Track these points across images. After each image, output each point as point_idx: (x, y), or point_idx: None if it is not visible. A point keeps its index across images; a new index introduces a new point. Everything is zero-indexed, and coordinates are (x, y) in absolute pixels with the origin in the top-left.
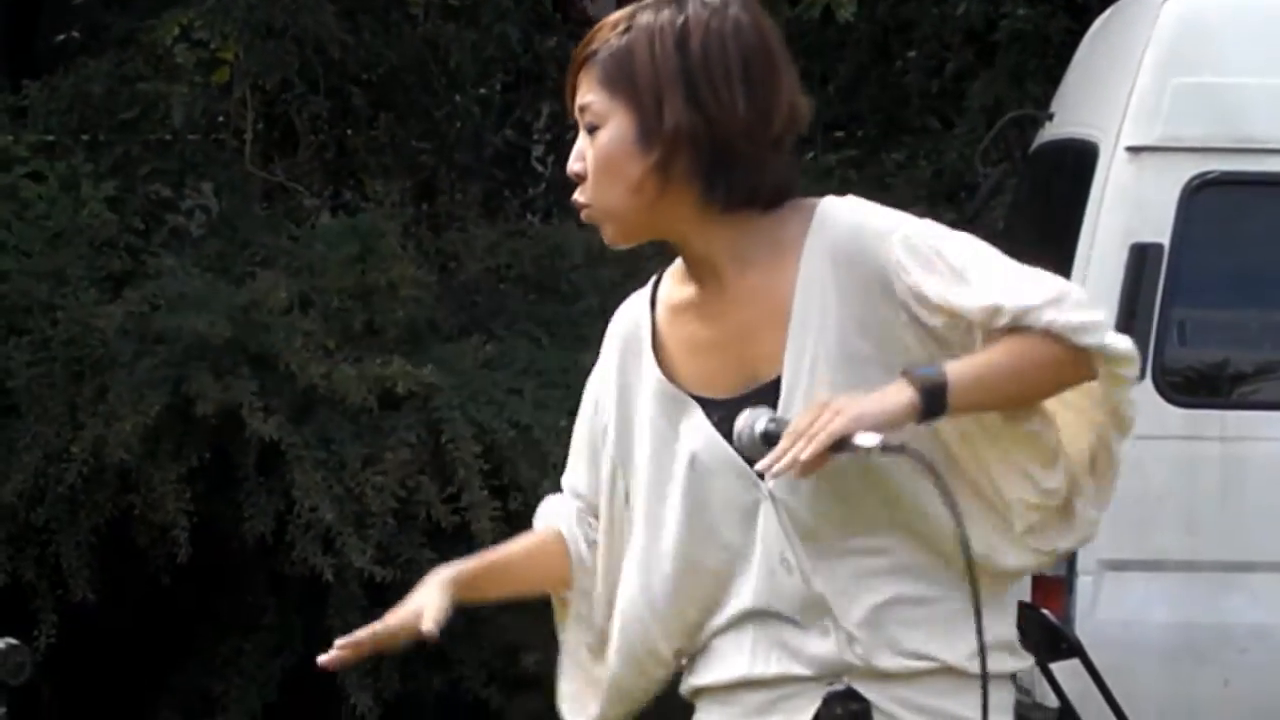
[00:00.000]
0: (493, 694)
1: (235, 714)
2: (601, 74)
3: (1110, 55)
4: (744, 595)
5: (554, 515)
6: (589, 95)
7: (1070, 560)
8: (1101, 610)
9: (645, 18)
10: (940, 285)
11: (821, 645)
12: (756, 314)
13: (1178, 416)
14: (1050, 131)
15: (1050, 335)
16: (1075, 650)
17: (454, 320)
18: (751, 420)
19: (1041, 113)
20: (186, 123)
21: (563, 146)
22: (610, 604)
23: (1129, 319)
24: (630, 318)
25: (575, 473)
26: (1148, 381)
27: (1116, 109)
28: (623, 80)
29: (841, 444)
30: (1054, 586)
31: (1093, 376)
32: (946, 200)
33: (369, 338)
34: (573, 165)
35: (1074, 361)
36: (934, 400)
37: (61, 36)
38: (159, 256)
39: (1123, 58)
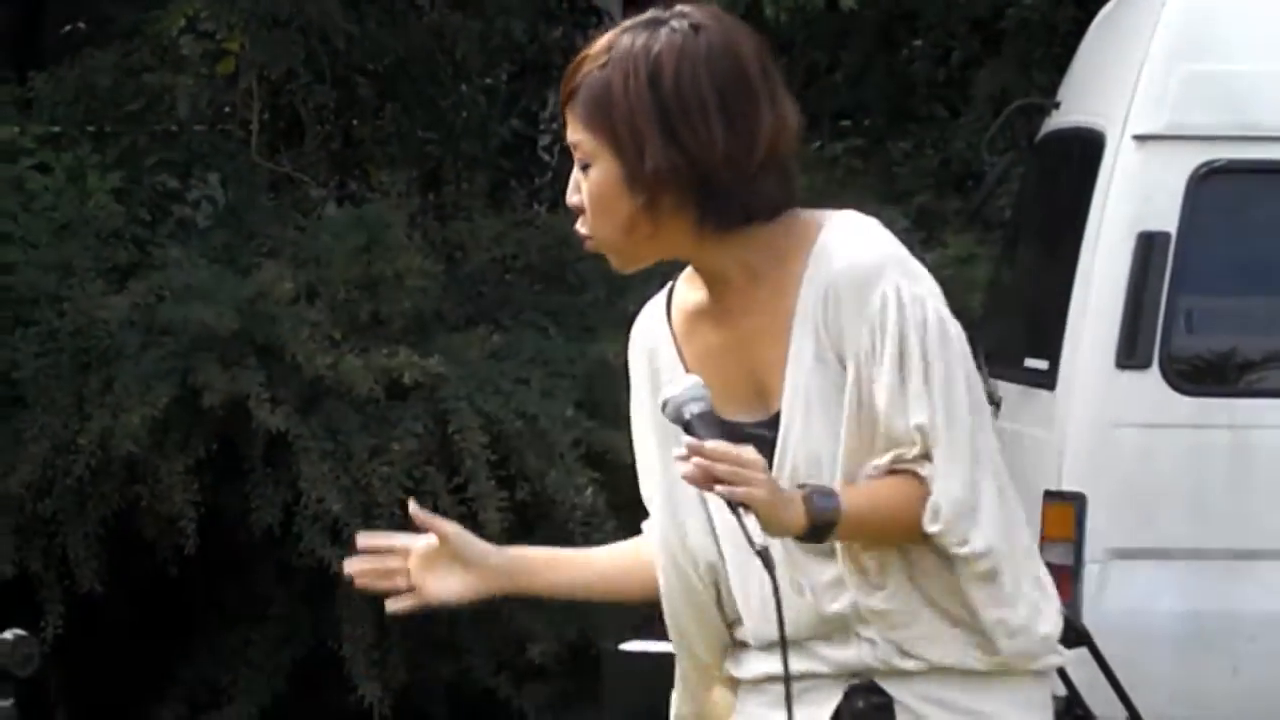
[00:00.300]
0: (501, 683)
1: (243, 704)
2: (584, 115)
3: (1117, 43)
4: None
5: (643, 538)
6: (576, 134)
7: (1077, 549)
8: (1109, 599)
9: (622, 46)
10: (883, 392)
11: (842, 652)
12: (765, 329)
13: (1185, 405)
14: (1057, 120)
15: (926, 504)
16: (1083, 639)
17: (460, 311)
18: (688, 398)
19: (1048, 101)
20: (192, 114)
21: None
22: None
23: (1136, 307)
24: (650, 332)
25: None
26: (1155, 370)
27: (1123, 97)
28: (603, 123)
29: (737, 506)
30: (1061, 575)
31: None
32: (953, 189)
33: (375, 328)
34: (571, 198)
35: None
36: (817, 535)
37: (67, 28)
38: (165, 248)
39: (1129, 46)
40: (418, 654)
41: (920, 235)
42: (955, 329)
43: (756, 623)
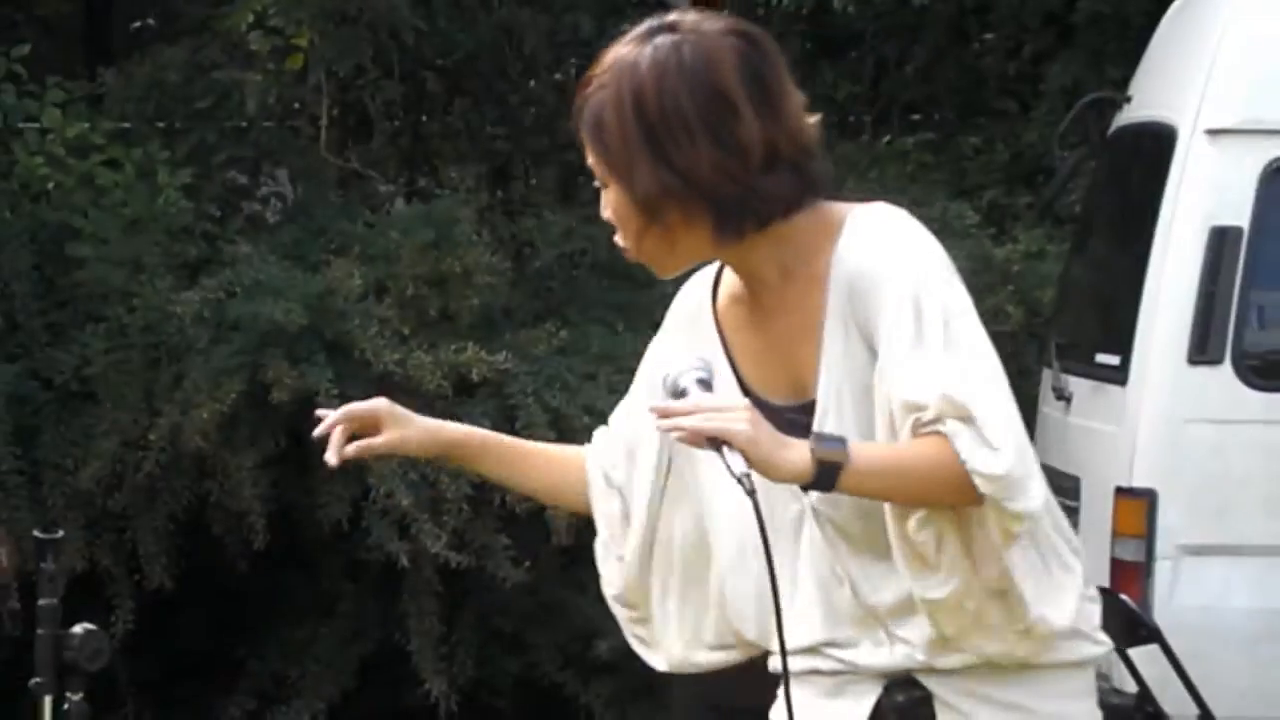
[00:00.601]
0: (568, 679)
1: (311, 699)
2: (587, 141)
3: (1189, 37)
4: (798, 605)
5: (588, 447)
6: (589, 158)
7: (1149, 545)
8: (1180, 595)
9: (616, 66)
10: (897, 366)
11: (875, 655)
12: (799, 326)
13: (1257, 400)
14: (1128, 114)
15: (959, 460)
16: (1154, 636)
17: (528, 306)
18: (683, 369)
19: (1120, 95)
20: (261, 110)
21: None
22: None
23: (1208, 303)
24: (695, 299)
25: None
26: (1227, 365)
27: (1195, 91)
28: (600, 150)
29: (719, 444)
30: (1132, 572)
31: (980, 503)
32: (1024, 184)
33: (443, 324)
34: (603, 213)
35: (970, 491)
36: (824, 479)
37: (137, 24)
38: (235, 244)
39: (1202, 40)
40: (485, 649)
41: (991, 230)
42: (972, 314)
43: (794, 620)
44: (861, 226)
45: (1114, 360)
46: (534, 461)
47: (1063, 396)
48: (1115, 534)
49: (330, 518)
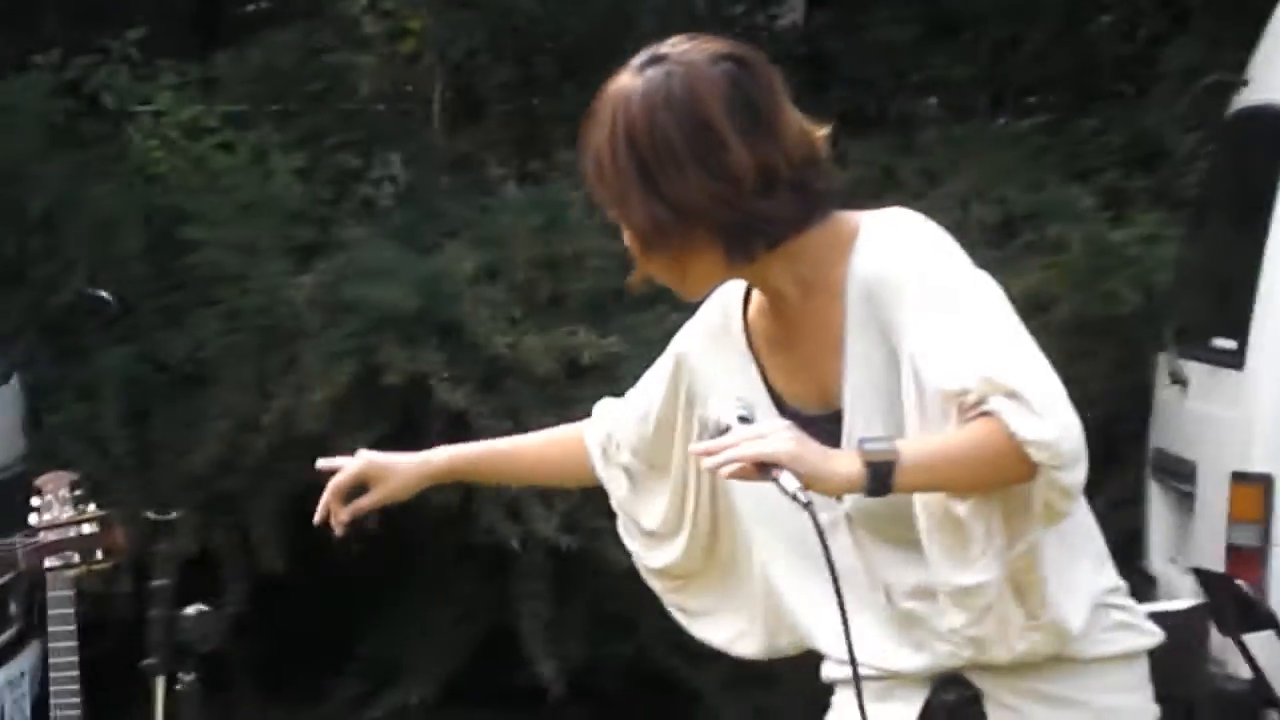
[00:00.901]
0: (679, 663)
1: (421, 682)
2: (588, 175)
3: None
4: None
5: (585, 425)
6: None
7: (1266, 530)
8: None
9: (613, 101)
10: (930, 359)
11: (916, 659)
12: (821, 338)
13: None
14: (1246, 97)
15: (1008, 434)
16: (1270, 621)
17: (639, 290)
18: (722, 409)
19: (1237, 78)
20: (374, 93)
21: None
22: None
23: None
24: (725, 308)
25: (637, 406)
26: None
27: None
28: (601, 189)
29: (767, 469)
30: (1249, 557)
31: (1032, 477)
32: (1141, 167)
33: (555, 308)
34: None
35: (1022, 464)
36: (880, 482)
37: (250, 7)
38: (347, 227)
39: None
40: (595, 632)
41: (1108, 214)
42: (998, 300)
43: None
44: (874, 234)
45: (1231, 344)
46: (525, 459)
47: (1179, 381)
48: (1232, 519)
49: (441, 501)
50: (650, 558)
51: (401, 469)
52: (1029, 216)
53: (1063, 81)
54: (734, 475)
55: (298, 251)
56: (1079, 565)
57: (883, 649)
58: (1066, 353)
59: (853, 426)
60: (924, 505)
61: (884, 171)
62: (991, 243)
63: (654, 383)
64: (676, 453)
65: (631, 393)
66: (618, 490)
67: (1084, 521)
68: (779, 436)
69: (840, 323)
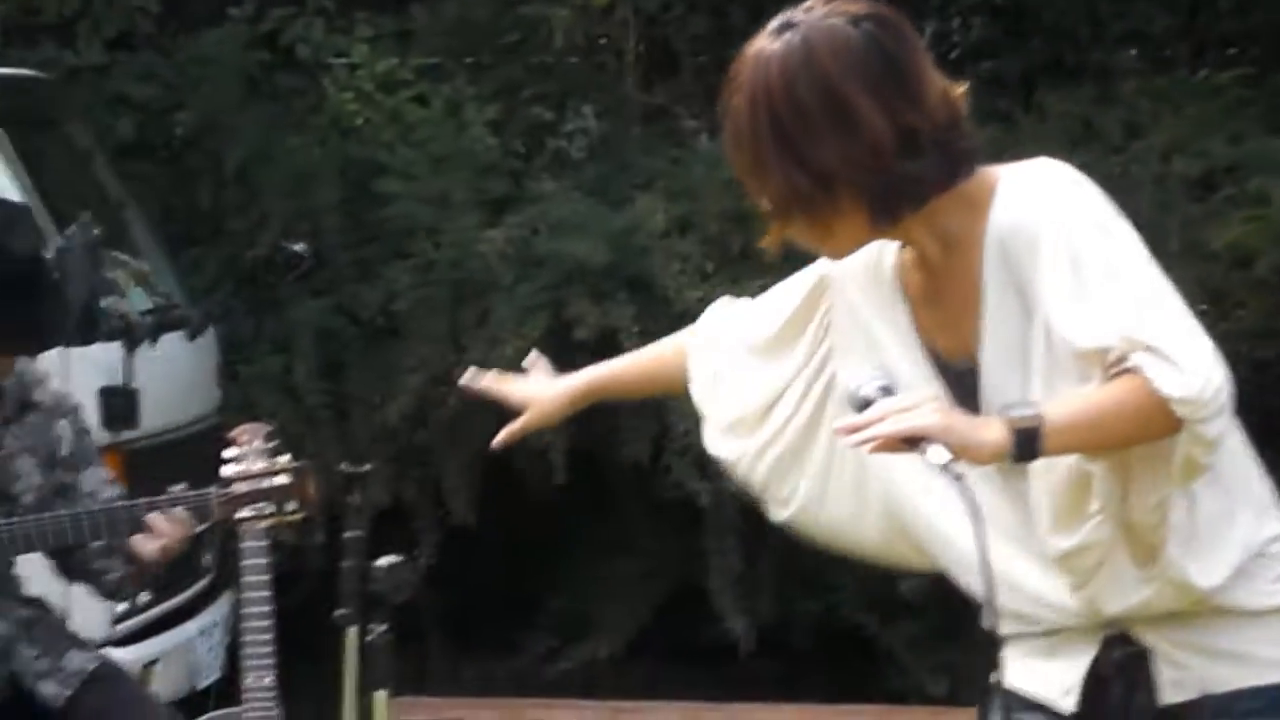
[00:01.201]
0: (870, 620)
1: (609, 636)
2: (729, 148)
3: None
4: (996, 545)
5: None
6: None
7: None
8: None
9: (751, 66)
10: (1066, 318)
11: (1075, 617)
12: (962, 294)
13: None
14: None
15: (1151, 391)
16: None
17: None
18: (864, 380)
19: None
20: (568, 45)
21: (945, 65)
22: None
23: None
24: (878, 256)
25: (764, 320)
26: None
27: None
28: (739, 156)
29: (915, 442)
30: None
31: (1176, 432)
32: None
33: (746, 261)
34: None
35: (1166, 421)
36: (1026, 449)
37: None
38: (540, 180)
39: None
40: (785, 588)
41: None
42: (1138, 252)
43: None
44: (1012, 187)
45: None
46: (632, 380)
47: None
48: None
49: (631, 456)
50: (720, 443)
51: (540, 400)
52: (1230, 170)
53: (1264, 34)
54: (880, 450)
55: (490, 205)
56: (1238, 516)
57: (1039, 596)
58: (1266, 307)
59: (990, 382)
60: (1052, 465)
61: (1083, 124)
62: (1192, 196)
63: (789, 292)
64: (794, 359)
65: (755, 300)
66: (701, 374)
67: (1247, 471)
68: (926, 409)
69: (979, 277)
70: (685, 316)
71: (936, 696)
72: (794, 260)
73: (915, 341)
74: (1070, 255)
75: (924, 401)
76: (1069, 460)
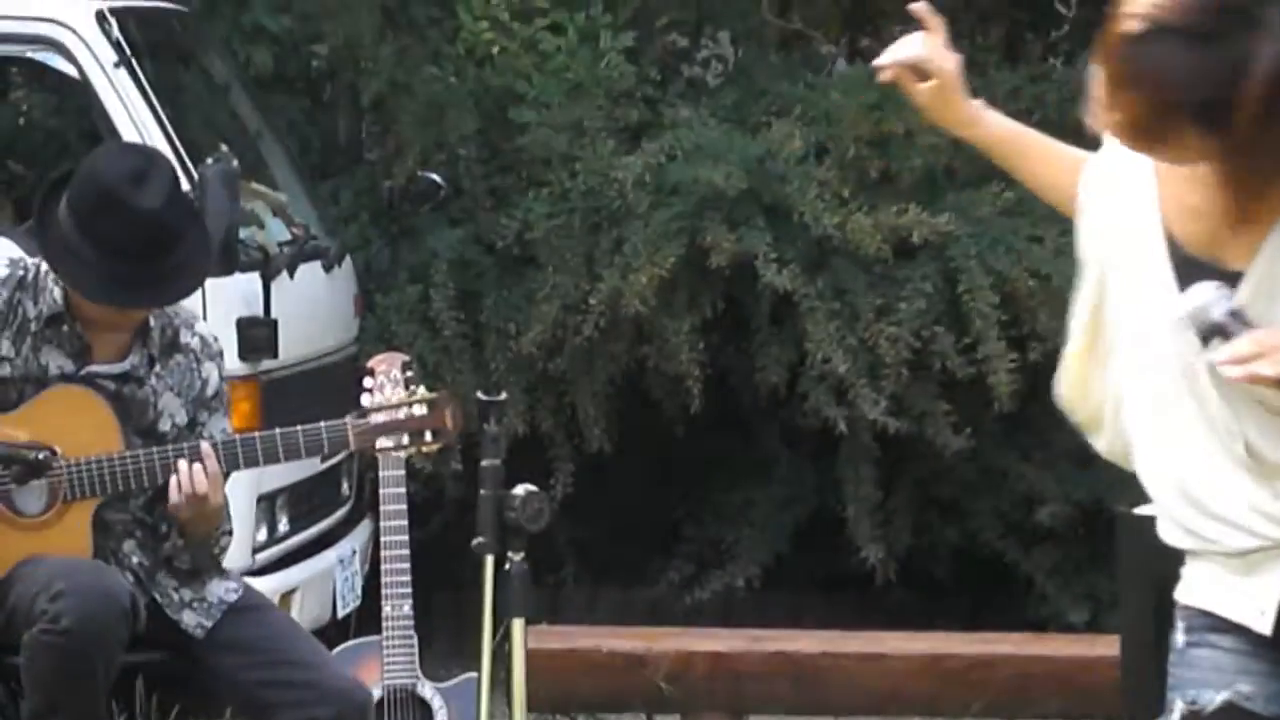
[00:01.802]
0: (1009, 547)
1: (746, 564)
2: (1124, 85)
3: None
4: (1191, 458)
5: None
6: (1122, 99)
7: None
8: None
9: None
10: None
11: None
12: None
13: None
14: None
15: None
16: None
17: (972, 167)
18: (1211, 299)
19: None
20: None
21: None
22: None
23: None
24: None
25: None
26: None
27: None
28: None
29: None
30: None
31: None
32: None
33: (884, 186)
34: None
35: None
36: None
37: None
38: (675, 107)
39: None
40: (922, 516)
41: None
42: None
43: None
44: None
45: None
46: (1033, 149)
47: None
48: None
49: (767, 382)
50: None
51: (949, 87)
52: None
53: None
54: (1256, 381)
55: (625, 132)
56: None
57: (1240, 508)
58: None
59: (1251, 295)
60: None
61: None
62: None
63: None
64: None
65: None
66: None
67: None
68: None
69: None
70: (823, 242)
71: (1078, 625)
72: (934, 186)
73: (1160, 233)
74: None
75: None
76: None
